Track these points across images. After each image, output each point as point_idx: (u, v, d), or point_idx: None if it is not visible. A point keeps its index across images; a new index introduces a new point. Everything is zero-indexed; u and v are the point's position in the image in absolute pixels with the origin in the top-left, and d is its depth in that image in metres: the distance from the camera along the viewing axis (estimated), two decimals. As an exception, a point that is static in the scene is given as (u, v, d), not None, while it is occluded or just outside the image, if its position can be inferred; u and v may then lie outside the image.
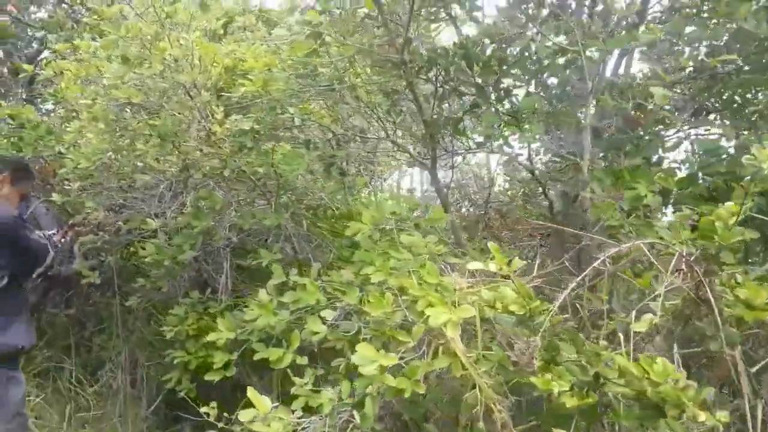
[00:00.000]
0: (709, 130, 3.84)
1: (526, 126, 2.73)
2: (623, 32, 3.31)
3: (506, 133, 3.34)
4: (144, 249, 4.66)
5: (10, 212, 2.77)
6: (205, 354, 4.07)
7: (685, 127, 3.67)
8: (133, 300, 4.99)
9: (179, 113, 3.09)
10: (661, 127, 3.52)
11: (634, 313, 1.90)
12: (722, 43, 3.46)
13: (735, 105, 3.70)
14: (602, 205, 2.51)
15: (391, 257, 2.52)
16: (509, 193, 5.21)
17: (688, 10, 3.67)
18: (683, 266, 1.82)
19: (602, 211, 2.52)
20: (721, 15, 3.28)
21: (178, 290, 4.90)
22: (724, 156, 3.31)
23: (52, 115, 6.26)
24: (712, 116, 3.75)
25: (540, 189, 4.74)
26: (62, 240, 3.69)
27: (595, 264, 1.81)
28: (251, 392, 1.88)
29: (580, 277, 1.78)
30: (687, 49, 3.52)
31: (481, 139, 3.61)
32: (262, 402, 1.86)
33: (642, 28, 3.40)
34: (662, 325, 1.85)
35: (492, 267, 1.79)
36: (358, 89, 3.16)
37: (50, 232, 3.49)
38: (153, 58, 2.90)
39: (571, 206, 3.48)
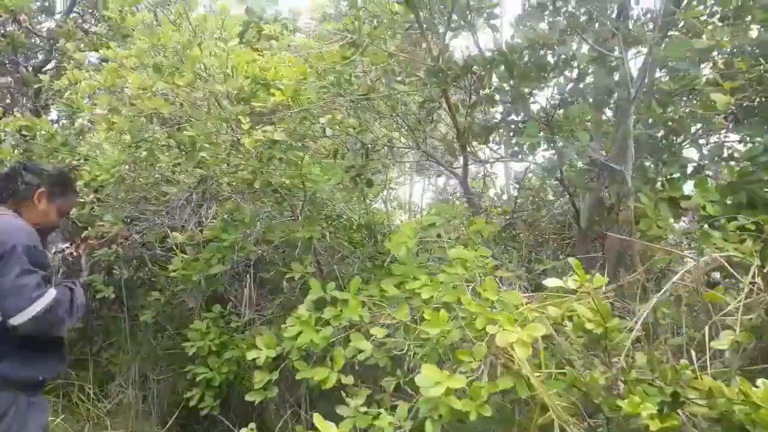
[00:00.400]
0: (727, 136, 3.79)
1: (574, 134, 2.66)
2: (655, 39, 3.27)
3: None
4: (156, 263, 4.60)
5: (17, 239, 2.27)
6: (228, 370, 4.00)
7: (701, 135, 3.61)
8: (148, 315, 4.97)
9: (211, 124, 2.99)
10: (682, 137, 3.45)
11: (707, 328, 1.82)
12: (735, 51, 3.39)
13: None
14: (653, 213, 2.44)
15: (442, 271, 2.43)
16: (518, 201, 5.14)
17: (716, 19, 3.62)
18: (759, 280, 1.75)
19: (653, 221, 2.45)
20: (758, 21, 3.23)
21: (195, 305, 4.86)
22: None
23: (57, 126, 6.18)
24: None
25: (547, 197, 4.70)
26: (74, 254, 3.52)
27: (674, 279, 1.73)
28: (318, 419, 1.79)
29: (660, 293, 1.70)
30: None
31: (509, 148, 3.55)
32: (330, 429, 1.77)
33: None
34: (739, 342, 1.78)
35: (571, 284, 1.71)
36: (392, 98, 3.08)
37: (63, 246, 3.34)
38: (185, 68, 2.82)
39: (606, 215, 3.41)
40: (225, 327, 4.20)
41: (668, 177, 3.06)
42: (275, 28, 3.87)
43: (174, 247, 4.40)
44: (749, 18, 3.24)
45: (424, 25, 2.90)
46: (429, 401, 1.83)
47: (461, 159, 3.40)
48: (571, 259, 1.68)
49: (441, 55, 2.99)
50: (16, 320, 2.21)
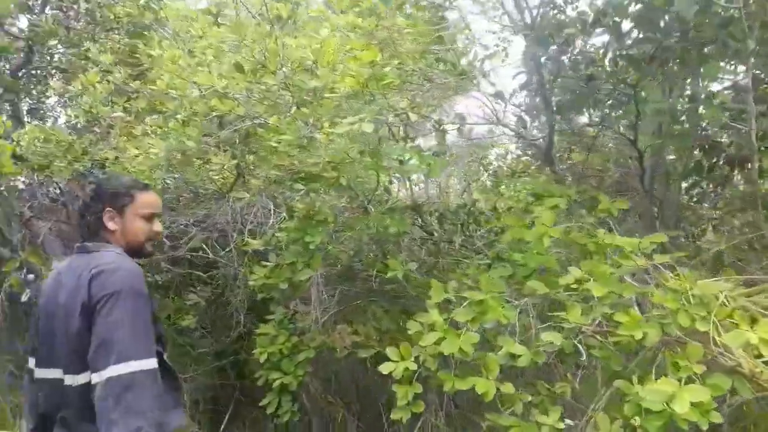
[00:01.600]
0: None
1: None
2: None
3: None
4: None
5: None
6: (303, 373, 3.84)
7: None
8: (189, 319, 4.85)
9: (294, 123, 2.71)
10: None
11: None
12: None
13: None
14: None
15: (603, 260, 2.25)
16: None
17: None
18: None
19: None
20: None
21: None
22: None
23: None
24: None
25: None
26: None
27: None
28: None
29: None
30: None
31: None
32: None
33: None
34: None
35: None
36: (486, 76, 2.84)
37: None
38: (269, 64, 2.50)
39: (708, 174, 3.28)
40: (292, 327, 4.02)
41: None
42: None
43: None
44: None
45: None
46: (659, 416, 1.68)
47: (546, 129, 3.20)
48: None
49: (534, 21, 2.75)
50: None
